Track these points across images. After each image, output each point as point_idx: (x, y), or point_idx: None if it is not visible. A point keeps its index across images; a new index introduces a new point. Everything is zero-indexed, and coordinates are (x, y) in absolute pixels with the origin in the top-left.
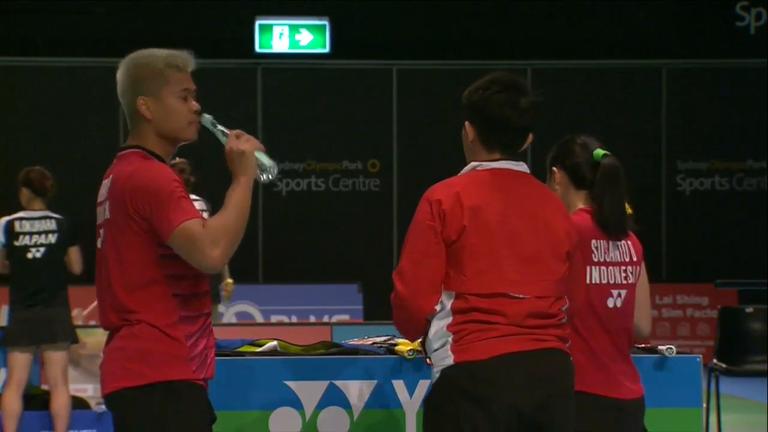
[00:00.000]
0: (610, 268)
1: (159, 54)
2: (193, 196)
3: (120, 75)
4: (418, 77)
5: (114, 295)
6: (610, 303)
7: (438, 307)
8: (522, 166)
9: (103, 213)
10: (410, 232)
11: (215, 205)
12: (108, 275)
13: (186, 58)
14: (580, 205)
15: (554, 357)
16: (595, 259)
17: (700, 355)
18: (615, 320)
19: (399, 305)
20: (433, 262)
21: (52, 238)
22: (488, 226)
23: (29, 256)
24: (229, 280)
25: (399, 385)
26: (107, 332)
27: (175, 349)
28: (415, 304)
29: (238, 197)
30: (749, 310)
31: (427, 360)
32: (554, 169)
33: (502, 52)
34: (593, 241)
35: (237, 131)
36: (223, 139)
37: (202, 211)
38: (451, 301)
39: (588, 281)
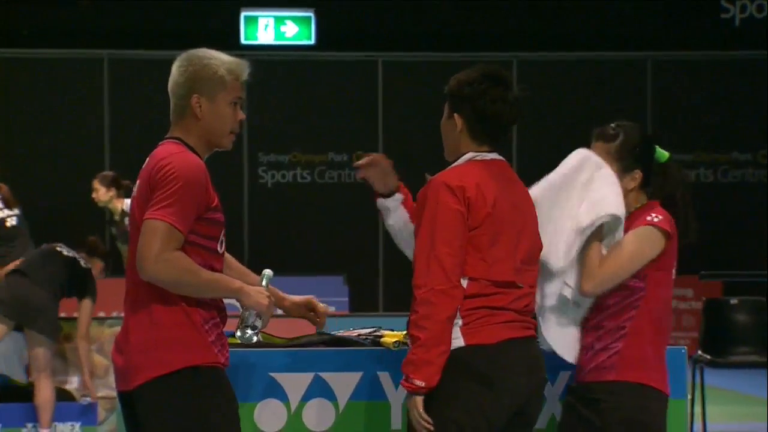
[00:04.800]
0: None
1: (222, 58)
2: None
3: (177, 68)
4: (404, 69)
5: (134, 270)
6: None
7: None
8: (501, 158)
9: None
10: (438, 219)
11: None
12: (134, 254)
13: (244, 69)
14: (644, 201)
15: (536, 345)
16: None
17: (685, 347)
18: None
19: (439, 294)
20: (464, 248)
21: None
22: (503, 215)
23: None
24: None
25: (384, 377)
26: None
27: (199, 333)
28: (458, 290)
29: (221, 283)
30: (734, 301)
31: None
32: (639, 171)
33: (487, 44)
34: None
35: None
36: (263, 285)
37: None
38: (465, 285)
39: (673, 276)
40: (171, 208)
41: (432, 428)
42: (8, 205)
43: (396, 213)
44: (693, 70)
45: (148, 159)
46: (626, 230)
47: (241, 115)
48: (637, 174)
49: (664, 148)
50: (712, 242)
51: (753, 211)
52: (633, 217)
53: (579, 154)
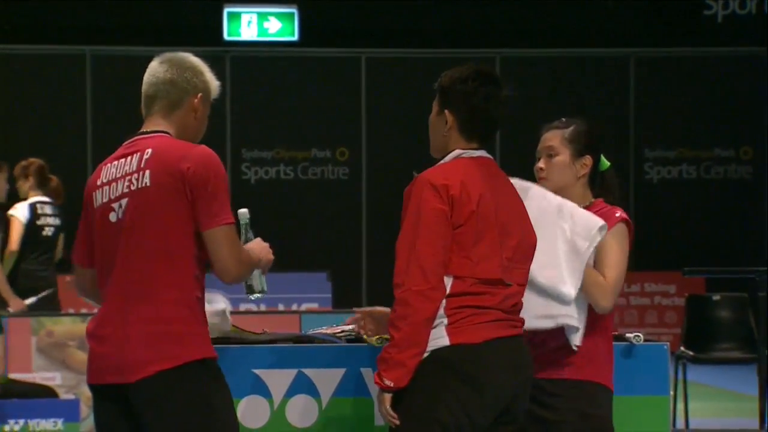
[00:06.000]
0: None
1: (213, 77)
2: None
3: (176, 64)
4: (387, 65)
5: (143, 264)
6: None
7: None
8: (489, 155)
9: (126, 185)
10: (421, 218)
11: None
12: (139, 244)
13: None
14: (590, 199)
15: (523, 344)
16: None
17: (668, 343)
18: None
19: (418, 295)
20: (447, 247)
21: None
22: (488, 213)
23: None
24: None
25: (368, 373)
26: (114, 306)
27: (201, 328)
28: (437, 292)
29: (252, 258)
30: (716, 297)
31: None
32: (590, 157)
33: (471, 41)
34: None
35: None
36: (246, 237)
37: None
38: (450, 283)
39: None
40: (228, 211)
41: (397, 422)
42: (56, 199)
43: None
44: (676, 67)
45: (151, 150)
46: None
47: None
48: (588, 160)
49: (649, 144)
50: (695, 238)
51: (736, 208)
52: None
53: (538, 198)
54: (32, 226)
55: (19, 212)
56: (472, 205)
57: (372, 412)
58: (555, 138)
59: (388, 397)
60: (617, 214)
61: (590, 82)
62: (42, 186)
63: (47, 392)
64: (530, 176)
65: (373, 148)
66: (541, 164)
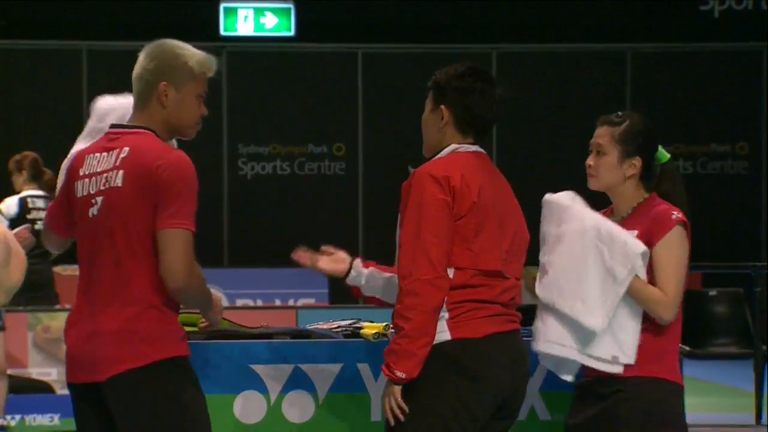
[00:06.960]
0: None
1: (193, 51)
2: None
3: (147, 55)
4: (384, 61)
5: (113, 264)
6: None
7: None
8: (483, 150)
9: (102, 182)
10: (424, 209)
11: None
12: (109, 243)
13: (214, 64)
14: (644, 195)
15: (520, 339)
16: None
17: None
18: None
19: (427, 284)
20: (450, 238)
21: None
22: (487, 206)
23: None
24: None
25: (364, 369)
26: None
27: (172, 327)
28: (444, 281)
29: (209, 296)
30: (713, 293)
31: None
32: (639, 158)
33: (467, 36)
34: None
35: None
36: None
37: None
38: (451, 275)
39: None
40: (190, 218)
41: (402, 417)
42: (50, 193)
43: (366, 275)
44: (672, 62)
45: (128, 149)
46: (631, 227)
47: (204, 110)
48: (637, 161)
49: None
50: (692, 234)
51: (732, 203)
52: (639, 213)
53: (575, 216)
54: (22, 221)
55: (5, 207)
56: (473, 196)
57: (368, 408)
58: (605, 135)
59: (398, 389)
60: (673, 216)
61: (586, 78)
62: (36, 179)
63: (43, 388)
64: (527, 174)
65: (370, 144)
66: (590, 160)
